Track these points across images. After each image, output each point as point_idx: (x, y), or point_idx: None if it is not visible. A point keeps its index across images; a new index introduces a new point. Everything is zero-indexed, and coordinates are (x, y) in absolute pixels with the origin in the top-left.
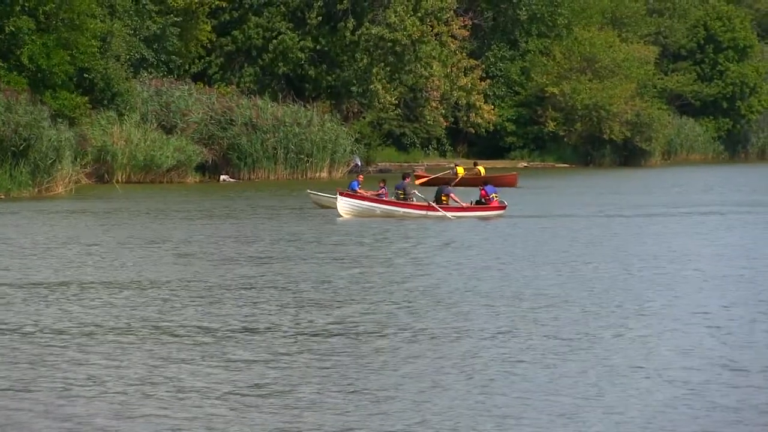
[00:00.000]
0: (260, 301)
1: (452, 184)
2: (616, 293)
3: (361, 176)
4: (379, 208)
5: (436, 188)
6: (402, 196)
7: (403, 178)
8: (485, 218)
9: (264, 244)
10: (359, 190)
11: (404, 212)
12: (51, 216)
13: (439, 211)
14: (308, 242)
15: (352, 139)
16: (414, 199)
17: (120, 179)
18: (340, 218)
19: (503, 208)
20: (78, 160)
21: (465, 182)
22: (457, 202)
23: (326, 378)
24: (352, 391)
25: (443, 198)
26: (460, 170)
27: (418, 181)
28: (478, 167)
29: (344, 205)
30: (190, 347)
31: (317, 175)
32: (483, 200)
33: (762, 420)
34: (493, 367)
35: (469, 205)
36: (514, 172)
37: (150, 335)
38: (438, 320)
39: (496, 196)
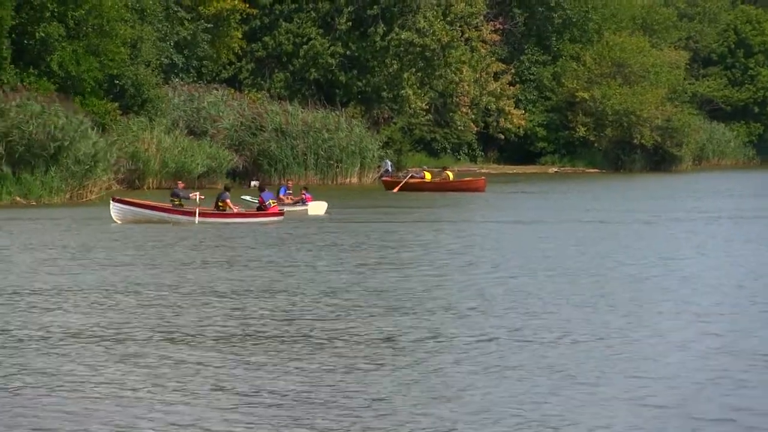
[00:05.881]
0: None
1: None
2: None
3: (291, 182)
4: (154, 215)
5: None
6: (177, 202)
7: (226, 190)
8: (263, 224)
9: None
10: (282, 196)
11: (174, 218)
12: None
13: (194, 216)
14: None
15: (380, 144)
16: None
17: (151, 185)
18: (114, 224)
19: (281, 214)
20: (111, 166)
21: (433, 187)
22: (232, 208)
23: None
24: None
25: (220, 204)
26: (428, 175)
27: (395, 189)
28: (447, 172)
29: (116, 211)
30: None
31: (347, 180)
32: (262, 206)
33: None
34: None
35: (244, 210)
36: (483, 178)
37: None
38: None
39: (273, 203)
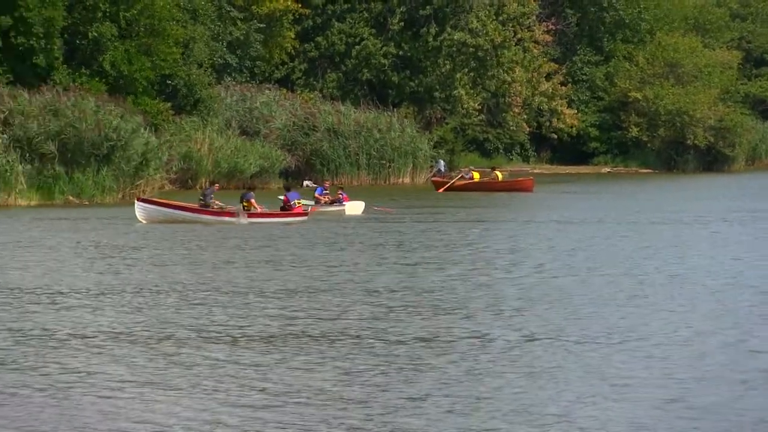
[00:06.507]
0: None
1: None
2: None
3: (327, 182)
4: (179, 215)
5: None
6: (203, 202)
7: (250, 190)
8: (287, 224)
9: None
10: (319, 196)
11: (202, 218)
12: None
13: (234, 216)
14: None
15: (431, 144)
16: (214, 206)
17: (203, 185)
18: (140, 224)
19: (306, 214)
20: (163, 165)
21: (482, 187)
22: (256, 208)
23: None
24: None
25: (245, 204)
26: (476, 175)
27: (440, 190)
28: (495, 172)
29: (140, 211)
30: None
31: (399, 180)
32: (286, 206)
33: None
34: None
35: (270, 210)
36: (531, 178)
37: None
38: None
39: (299, 203)
